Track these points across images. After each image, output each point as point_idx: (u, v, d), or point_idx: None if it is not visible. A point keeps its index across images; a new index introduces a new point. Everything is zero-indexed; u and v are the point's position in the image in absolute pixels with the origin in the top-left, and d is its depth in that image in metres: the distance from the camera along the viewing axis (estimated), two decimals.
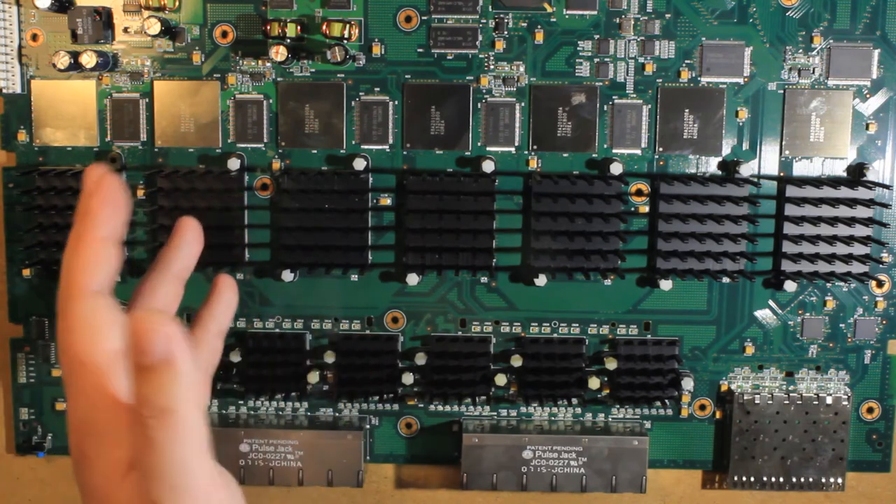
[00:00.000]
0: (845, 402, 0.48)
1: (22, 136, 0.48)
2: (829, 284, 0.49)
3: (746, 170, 0.47)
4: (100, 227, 0.33)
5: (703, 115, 0.47)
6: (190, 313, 0.47)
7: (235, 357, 0.48)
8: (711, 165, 0.48)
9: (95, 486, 0.31)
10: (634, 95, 0.47)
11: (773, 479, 0.49)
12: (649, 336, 0.49)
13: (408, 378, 0.48)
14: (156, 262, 0.39)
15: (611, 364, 0.48)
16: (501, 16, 0.47)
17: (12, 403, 0.50)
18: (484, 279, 0.49)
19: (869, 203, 0.47)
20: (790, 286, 0.48)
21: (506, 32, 0.47)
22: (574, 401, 0.49)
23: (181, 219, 0.40)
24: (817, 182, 0.47)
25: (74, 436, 0.32)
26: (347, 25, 0.45)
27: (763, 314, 0.49)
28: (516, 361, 0.48)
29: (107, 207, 0.33)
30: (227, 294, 0.41)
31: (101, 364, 0.31)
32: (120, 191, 0.34)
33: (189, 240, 0.40)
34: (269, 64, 0.47)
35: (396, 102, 0.48)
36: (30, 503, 0.52)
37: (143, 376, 0.28)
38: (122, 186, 0.34)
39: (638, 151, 0.48)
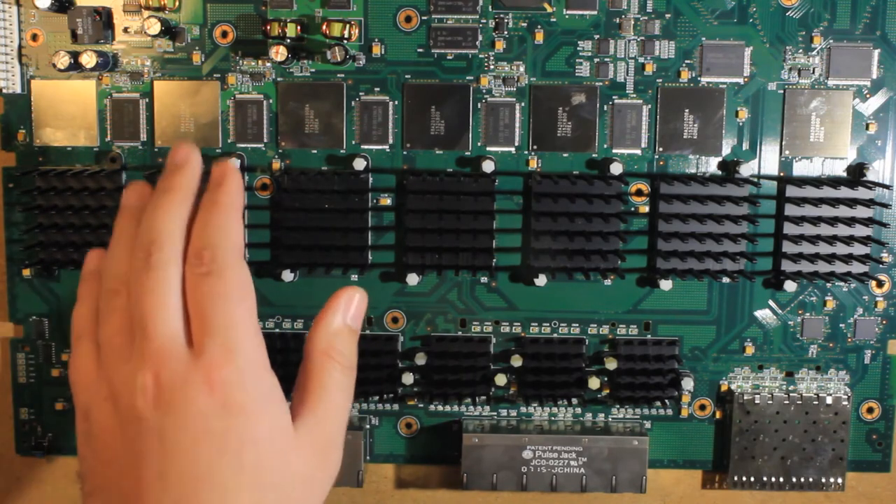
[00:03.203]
0: (845, 402, 0.48)
1: (22, 136, 0.48)
2: (829, 284, 0.49)
3: (746, 170, 0.47)
4: (241, 207, 0.36)
5: (703, 115, 0.47)
6: None
7: None
8: (711, 165, 0.48)
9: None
10: (634, 95, 0.47)
11: (773, 479, 0.49)
12: (649, 336, 0.49)
13: (408, 378, 0.48)
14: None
15: (611, 364, 0.48)
16: (501, 16, 0.47)
17: (12, 403, 0.50)
18: (484, 279, 0.49)
19: (869, 203, 0.47)
20: (790, 286, 0.48)
21: (506, 32, 0.47)
22: (574, 401, 0.49)
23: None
24: (817, 182, 0.47)
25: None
26: (347, 25, 0.45)
27: (763, 314, 0.49)
28: (516, 361, 0.48)
29: (241, 193, 0.36)
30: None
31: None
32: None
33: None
34: (269, 64, 0.47)
35: (396, 102, 0.48)
36: (30, 503, 0.52)
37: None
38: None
39: (638, 151, 0.48)
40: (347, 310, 0.36)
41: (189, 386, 0.32)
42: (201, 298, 0.33)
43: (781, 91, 0.47)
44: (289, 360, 0.49)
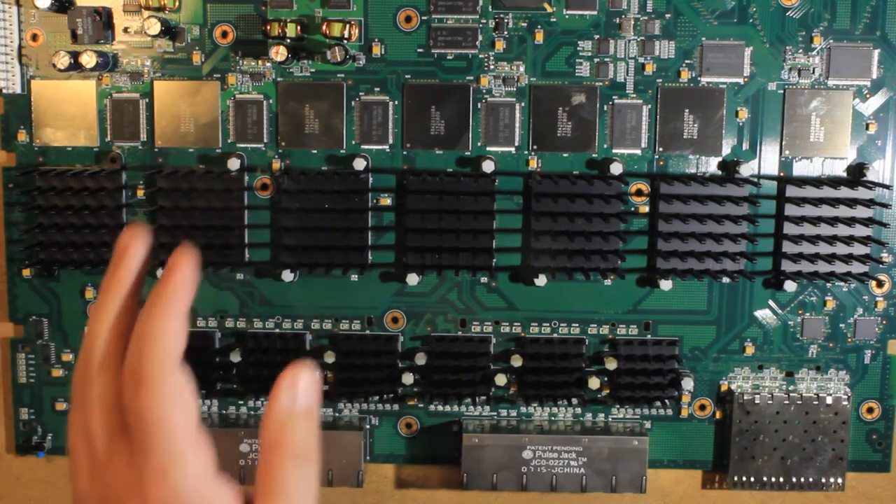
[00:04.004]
0: (845, 402, 0.48)
1: (22, 136, 0.48)
2: (829, 284, 0.49)
3: (746, 170, 0.47)
4: (183, 305, 0.33)
5: (703, 115, 0.47)
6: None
7: (235, 357, 0.48)
8: (711, 165, 0.48)
9: None
10: (634, 95, 0.47)
11: (773, 479, 0.49)
12: (649, 336, 0.49)
13: (408, 378, 0.48)
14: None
15: (611, 364, 0.48)
16: (501, 16, 0.47)
17: (12, 403, 0.50)
18: (484, 279, 0.49)
19: (869, 203, 0.47)
20: (790, 286, 0.48)
21: (506, 32, 0.47)
22: (574, 401, 0.49)
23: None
24: (817, 182, 0.47)
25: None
26: (347, 25, 0.45)
27: (763, 314, 0.49)
28: (516, 361, 0.48)
29: (188, 287, 0.33)
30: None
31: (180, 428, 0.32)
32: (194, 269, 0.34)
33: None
34: (269, 64, 0.47)
35: (396, 102, 0.48)
36: (30, 503, 0.52)
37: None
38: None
39: (638, 151, 0.48)
40: (293, 390, 0.33)
41: None
42: (131, 418, 0.31)
43: (781, 91, 0.47)
44: (288, 360, 0.48)
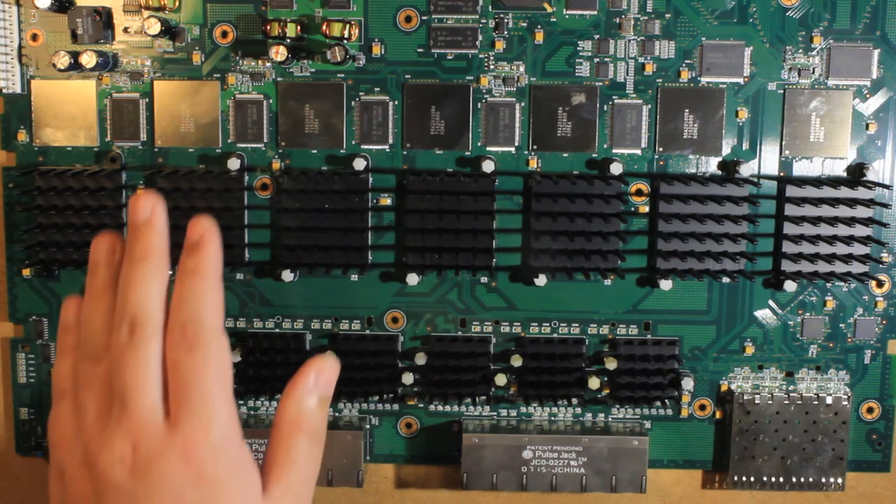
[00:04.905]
0: (845, 402, 0.48)
1: (22, 136, 0.48)
2: (829, 284, 0.49)
3: (746, 170, 0.47)
4: (220, 272, 0.36)
5: (703, 115, 0.47)
6: None
7: (235, 357, 0.48)
8: (711, 165, 0.48)
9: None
10: (634, 95, 0.47)
11: (773, 479, 0.49)
12: (649, 336, 0.49)
13: (408, 378, 0.48)
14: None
15: (611, 364, 0.48)
16: (501, 16, 0.47)
17: (12, 403, 0.50)
18: (484, 279, 0.49)
19: (869, 203, 0.47)
20: (790, 286, 0.48)
21: (506, 32, 0.47)
22: (574, 401, 0.49)
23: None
24: (817, 182, 0.47)
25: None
26: (347, 25, 0.45)
27: (763, 314, 0.49)
28: (516, 361, 0.48)
29: (221, 255, 0.36)
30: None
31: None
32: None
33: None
34: (269, 64, 0.47)
35: (396, 102, 0.48)
36: (30, 503, 0.52)
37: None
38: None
39: (638, 151, 0.48)
40: (318, 379, 0.37)
41: (165, 457, 0.33)
42: (182, 373, 0.34)
43: (781, 91, 0.47)
44: (288, 360, 0.49)
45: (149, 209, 0.36)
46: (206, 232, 0.36)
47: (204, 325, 0.34)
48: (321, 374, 0.37)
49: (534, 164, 0.48)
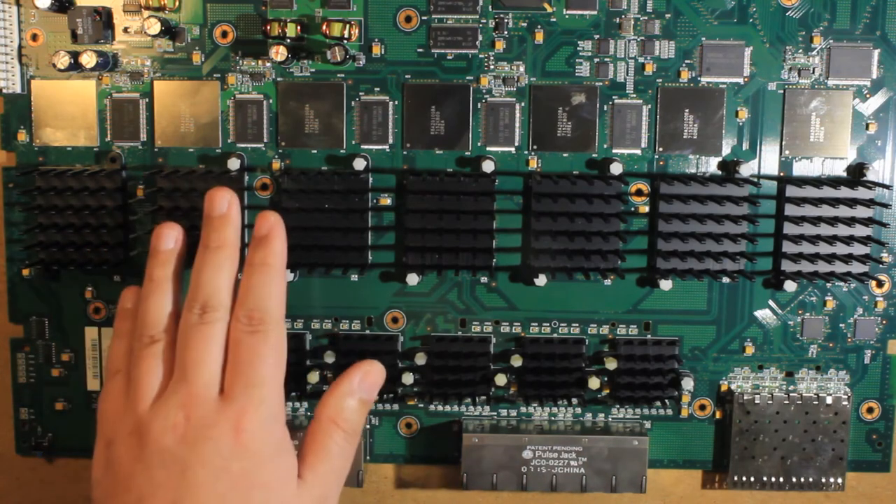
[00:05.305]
0: (845, 402, 0.48)
1: (22, 136, 0.48)
2: (829, 284, 0.49)
3: (746, 170, 0.47)
4: (284, 268, 0.41)
5: (703, 115, 0.47)
6: None
7: None
8: (711, 165, 0.48)
9: None
10: (634, 95, 0.47)
11: (773, 479, 0.49)
12: (649, 336, 0.49)
13: (408, 378, 0.48)
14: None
15: (611, 364, 0.48)
16: (501, 16, 0.47)
17: (12, 403, 0.50)
18: (484, 279, 0.49)
19: (869, 203, 0.47)
20: (790, 286, 0.48)
21: (506, 32, 0.47)
22: (574, 401, 0.49)
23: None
24: (817, 182, 0.47)
25: None
26: (347, 25, 0.45)
27: (763, 314, 0.49)
28: (516, 361, 0.48)
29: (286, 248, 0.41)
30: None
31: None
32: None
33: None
34: (269, 64, 0.47)
35: (396, 102, 0.48)
36: (30, 503, 0.52)
37: None
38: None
39: (638, 151, 0.48)
40: (363, 381, 0.40)
41: (216, 428, 0.36)
42: (243, 353, 0.37)
43: (781, 91, 0.47)
44: (288, 360, 0.48)
45: (225, 204, 0.41)
46: (273, 227, 0.40)
47: (269, 312, 0.38)
48: (366, 377, 0.40)
49: (534, 164, 0.48)
